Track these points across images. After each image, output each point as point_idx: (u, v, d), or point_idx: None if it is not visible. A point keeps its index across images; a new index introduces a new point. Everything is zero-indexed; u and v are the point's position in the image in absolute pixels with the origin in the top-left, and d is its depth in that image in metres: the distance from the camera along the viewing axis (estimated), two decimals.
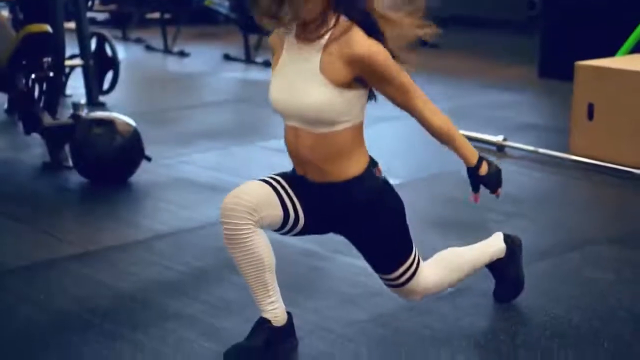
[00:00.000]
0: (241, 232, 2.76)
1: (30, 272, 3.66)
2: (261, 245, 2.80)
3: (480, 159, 2.95)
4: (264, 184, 2.84)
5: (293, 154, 2.86)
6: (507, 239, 3.35)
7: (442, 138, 2.94)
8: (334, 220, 2.90)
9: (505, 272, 3.33)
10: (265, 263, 2.82)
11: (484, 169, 2.96)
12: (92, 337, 3.07)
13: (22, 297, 3.42)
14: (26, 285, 3.54)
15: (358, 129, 2.82)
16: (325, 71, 2.69)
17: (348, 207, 2.85)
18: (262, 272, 2.83)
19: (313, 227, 2.91)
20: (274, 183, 2.85)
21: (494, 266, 3.32)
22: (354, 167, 2.82)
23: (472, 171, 2.97)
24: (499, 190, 3.05)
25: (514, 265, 3.33)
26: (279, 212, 2.82)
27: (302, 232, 2.93)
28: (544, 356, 2.95)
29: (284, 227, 2.87)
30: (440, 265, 3.11)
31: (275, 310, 2.90)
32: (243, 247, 2.77)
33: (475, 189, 3.02)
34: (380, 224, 2.88)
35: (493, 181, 3.00)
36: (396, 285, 3.00)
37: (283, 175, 2.91)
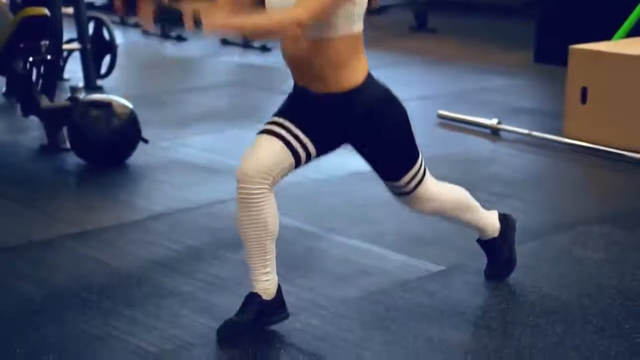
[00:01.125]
0: (254, 197, 2.87)
1: (28, 251, 3.71)
2: (270, 213, 2.89)
3: None
4: (271, 138, 2.90)
5: (292, 62, 2.88)
6: (503, 218, 3.40)
7: None
8: (341, 132, 2.95)
9: (498, 252, 3.38)
10: (269, 230, 2.90)
11: None
12: (88, 313, 3.12)
13: (21, 274, 3.47)
14: (24, 263, 3.59)
15: (356, 39, 2.84)
16: None
17: (352, 117, 2.90)
18: (265, 239, 2.91)
19: (324, 148, 2.98)
20: (279, 130, 2.90)
21: (488, 245, 3.37)
22: (354, 77, 2.85)
23: None
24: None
25: (507, 246, 3.39)
26: (291, 160, 2.91)
27: (318, 157, 3.00)
28: (533, 332, 3.00)
29: (298, 167, 2.96)
30: (448, 190, 3.26)
31: (268, 282, 2.96)
32: (253, 211, 2.87)
33: None
34: (386, 131, 2.93)
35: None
36: (404, 193, 3.09)
37: (283, 112, 2.95)
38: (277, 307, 2.99)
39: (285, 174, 2.94)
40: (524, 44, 8.26)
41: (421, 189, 3.10)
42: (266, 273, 2.96)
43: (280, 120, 2.94)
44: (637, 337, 2.96)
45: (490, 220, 3.36)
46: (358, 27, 2.84)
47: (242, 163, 2.89)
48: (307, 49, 2.80)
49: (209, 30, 2.73)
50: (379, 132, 2.93)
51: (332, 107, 2.89)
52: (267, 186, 2.87)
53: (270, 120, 2.97)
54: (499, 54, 8.38)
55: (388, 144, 2.97)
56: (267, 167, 2.86)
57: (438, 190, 3.19)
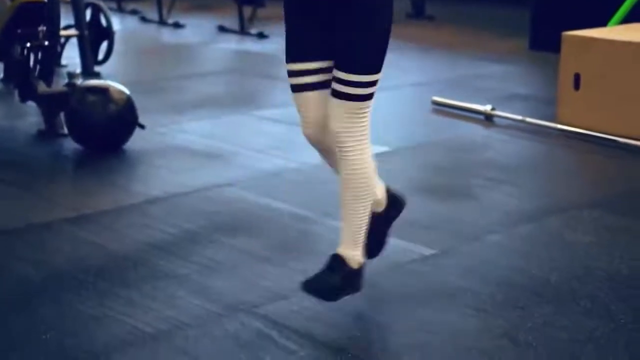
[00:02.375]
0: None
1: (26, 234, 3.76)
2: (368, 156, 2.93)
3: None
4: (305, 95, 2.93)
5: None
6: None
7: None
8: (332, 18, 2.86)
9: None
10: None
11: None
12: (85, 294, 3.17)
13: (19, 257, 3.52)
14: (23, 246, 3.64)
15: None
16: None
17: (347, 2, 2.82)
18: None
19: (331, 42, 2.89)
20: (303, 81, 2.91)
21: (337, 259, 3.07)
22: None
23: None
24: None
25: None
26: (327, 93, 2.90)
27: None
28: (522, 313, 3.06)
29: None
30: (367, 154, 2.98)
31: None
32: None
33: None
34: (368, 18, 2.83)
35: None
36: (340, 94, 2.85)
37: (291, 54, 2.93)
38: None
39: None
40: (520, 31, 8.31)
41: (362, 105, 2.88)
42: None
43: (295, 67, 2.91)
44: (622, 318, 3.02)
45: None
46: None
47: (305, 134, 2.98)
48: None
49: None
50: (365, 15, 2.83)
51: None
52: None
53: (291, 70, 2.93)
54: (494, 42, 8.43)
55: (365, 28, 2.83)
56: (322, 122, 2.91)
57: (365, 154, 2.97)
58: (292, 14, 2.95)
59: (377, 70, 2.89)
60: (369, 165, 2.94)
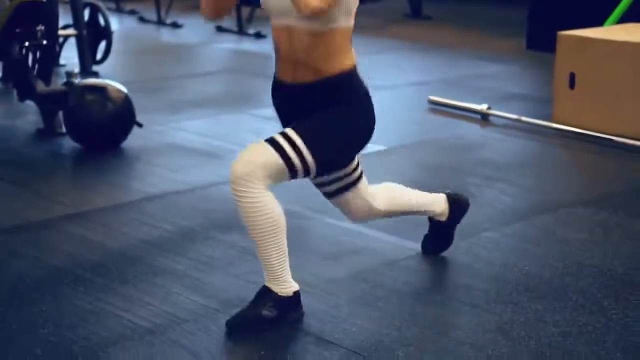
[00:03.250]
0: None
1: (24, 231, 3.79)
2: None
3: None
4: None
5: (286, 57, 2.89)
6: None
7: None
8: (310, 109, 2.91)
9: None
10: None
11: None
12: (82, 290, 3.20)
13: (17, 253, 3.55)
14: (21, 243, 3.67)
15: (348, 32, 2.88)
16: None
17: (332, 96, 2.88)
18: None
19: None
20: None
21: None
22: (344, 64, 2.88)
23: None
24: None
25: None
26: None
27: None
28: (514, 308, 3.09)
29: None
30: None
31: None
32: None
33: None
34: (342, 116, 2.88)
35: None
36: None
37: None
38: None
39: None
40: (517, 31, 8.35)
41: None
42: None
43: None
44: (614, 314, 3.05)
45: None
46: (351, 21, 2.89)
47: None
48: (307, 40, 2.83)
49: None
50: (339, 113, 2.89)
51: (313, 93, 2.89)
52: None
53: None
54: (491, 41, 8.46)
55: (332, 126, 2.89)
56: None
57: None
58: (276, 109, 3.06)
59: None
60: (263, 211, 2.85)
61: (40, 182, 4.46)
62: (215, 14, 3.00)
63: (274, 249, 2.89)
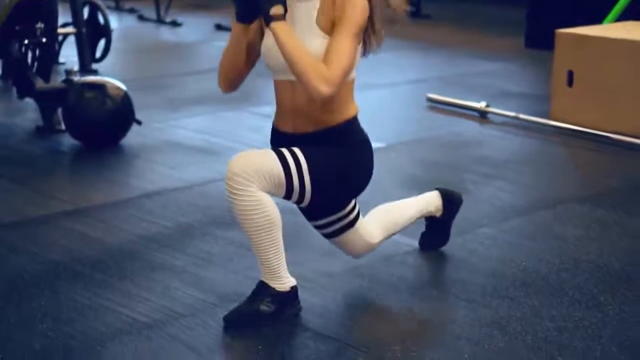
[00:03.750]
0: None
1: (23, 227, 3.81)
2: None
3: None
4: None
5: (287, 109, 2.94)
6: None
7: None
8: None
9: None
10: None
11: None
12: (81, 285, 3.22)
13: (16, 249, 3.57)
14: (19, 238, 3.68)
15: (351, 84, 2.95)
16: (321, 22, 2.83)
17: (333, 140, 2.92)
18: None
19: None
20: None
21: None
22: (345, 115, 2.93)
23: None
24: None
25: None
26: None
27: None
28: (511, 303, 3.11)
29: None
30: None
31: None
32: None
33: None
34: (343, 156, 2.93)
35: None
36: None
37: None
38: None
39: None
40: (516, 29, 8.36)
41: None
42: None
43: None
44: (610, 309, 3.07)
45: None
46: (354, 74, 2.94)
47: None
48: (310, 95, 2.83)
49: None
50: (335, 159, 2.92)
51: (320, 137, 2.92)
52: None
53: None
54: (490, 40, 8.48)
55: (335, 165, 2.93)
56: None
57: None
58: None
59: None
60: (260, 208, 2.83)
61: (39, 179, 4.47)
62: (230, 89, 3.10)
63: (271, 245, 2.89)
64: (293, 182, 2.86)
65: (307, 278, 3.28)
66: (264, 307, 2.92)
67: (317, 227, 3.19)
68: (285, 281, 2.96)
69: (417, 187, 4.33)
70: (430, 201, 3.46)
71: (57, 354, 2.75)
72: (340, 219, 3.13)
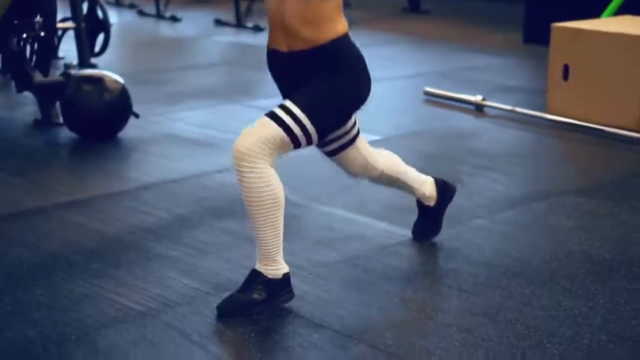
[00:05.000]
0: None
1: (21, 219, 3.84)
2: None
3: None
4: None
5: (277, 23, 2.98)
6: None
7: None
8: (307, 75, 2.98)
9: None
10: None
11: None
12: (77, 275, 3.25)
13: (13, 240, 3.60)
14: (17, 230, 3.72)
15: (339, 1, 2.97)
16: None
17: (326, 62, 2.95)
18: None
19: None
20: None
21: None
22: (335, 31, 2.95)
23: None
24: None
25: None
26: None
27: None
28: (502, 293, 3.14)
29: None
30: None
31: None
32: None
33: None
34: (337, 82, 2.96)
35: None
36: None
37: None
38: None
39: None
40: (514, 25, 8.38)
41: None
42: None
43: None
44: (600, 298, 3.10)
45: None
46: None
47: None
48: (298, 8, 2.90)
49: None
50: (333, 76, 2.95)
51: (306, 60, 2.96)
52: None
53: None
54: (488, 35, 8.50)
55: (329, 94, 2.97)
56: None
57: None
58: (274, 77, 3.14)
59: (320, 123, 2.96)
60: (267, 185, 2.89)
61: (37, 171, 4.51)
62: None
63: (271, 226, 2.94)
64: (296, 135, 2.92)
65: (301, 267, 3.31)
66: (256, 295, 2.95)
67: (318, 145, 3.21)
68: (279, 267, 2.99)
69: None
70: (426, 182, 3.52)
71: (53, 342, 2.79)
72: (341, 137, 3.20)
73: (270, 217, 2.92)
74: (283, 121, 2.91)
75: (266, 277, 2.97)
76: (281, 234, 2.98)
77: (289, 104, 2.94)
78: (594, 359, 2.71)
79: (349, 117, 3.17)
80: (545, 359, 2.70)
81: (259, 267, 2.99)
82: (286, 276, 3.00)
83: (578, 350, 2.75)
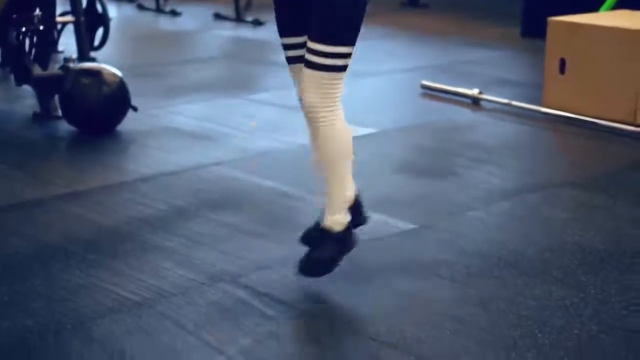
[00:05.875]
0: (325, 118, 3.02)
1: (20, 210, 3.87)
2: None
3: None
4: (293, 67, 3.12)
5: None
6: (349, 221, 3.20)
7: None
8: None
9: (326, 244, 3.17)
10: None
11: None
12: (74, 265, 3.28)
13: (11, 231, 3.63)
14: (16, 221, 3.75)
15: None
16: None
17: None
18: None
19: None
20: (292, 54, 3.10)
21: (323, 232, 3.18)
22: None
23: None
24: None
25: (335, 247, 3.17)
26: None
27: None
28: (495, 283, 3.17)
29: None
30: (343, 132, 3.07)
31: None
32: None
33: None
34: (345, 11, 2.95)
35: None
36: (313, 64, 2.95)
37: (281, 30, 3.13)
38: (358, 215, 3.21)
39: None
40: (513, 19, 8.41)
41: (328, 78, 2.97)
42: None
43: (286, 42, 3.12)
44: (592, 289, 3.13)
45: (343, 207, 3.17)
46: None
47: (299, 95, 3.04)
48: None
49: None
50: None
51: None
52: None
53: (282, 44, 3.14)
54: (487, 29, 8.53)
55: (333, 2, 2.94)
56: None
57: (337, 124, 3.06)
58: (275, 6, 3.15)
59: (347, 42, 2.97)
60: (341, 134, 3.04)
61: (36, 164, 4.54)
62: None
63: (343, 176, 3.08)
64: (337, 65, 2.96)
65: (295, 259, 3.33)
66: (331, 252, 3.10)
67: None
68: (344, 217, 3.14)
69: (408, 171, 4.40)
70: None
71: (49, 331, 2.82)
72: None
73: (342, 166, 3.06)
74: (322, 65, 2.94)
75: (335, 232, 3.11)
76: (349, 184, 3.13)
77: (311, 45, 2.95)
78: (584, 349, 2.74)
79: (362, 18, 3.02)
80: (536, 349, 2.73)
81: (327, 222, 3.12)
82: (349, 225, 3.15)
83: (568, 340, 2.78)
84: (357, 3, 2.99)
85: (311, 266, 3.12)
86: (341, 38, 2.96)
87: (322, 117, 2.99)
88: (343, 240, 3.15)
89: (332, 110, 2.99)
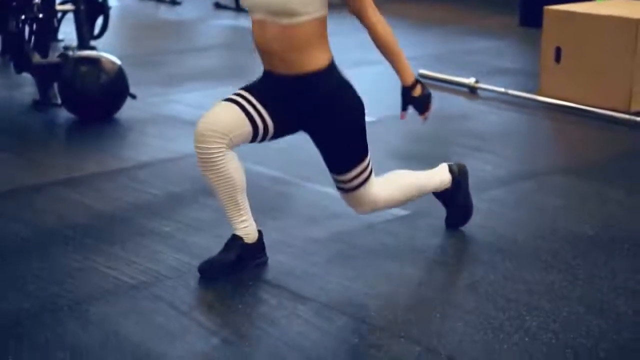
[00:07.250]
0: (213, 156, 3.02)
1: (18, 195, 3.93)
2: (232, 168, 3.06)
3: (417, 81, 3.17)
4: (230, 104, 3.08)
5: (260, 46, 3.07)
6: (453, 168, 3.53)
7: (384, 48, 3.17)
8: (299, 115, 3.09)
9: (452, 201, 3.53)
10: (236, 184, 3.08)
11: (417, 91, 3.18)
12: (71, 249, 3.33)
13: (10, 216, 3.69)
14: (14, 206, 3.80)
15: (322, 23, 3.01)
16: None
17: (311, 100, 3.05)
18: (234, 193, 3.09)
19: (281, 129, 3.13)
20: (240, 100, 3.09)
21: (442, 195, 3.53)
22: (318, 60, 3.02)
23: (406, 91, 3.21)
24: (427, 114, 3.23)
25: (460, 194, 3.52)
26: (248, 128, 3.05)
27: (274, 137, 3.16)
28: (486, 267, 3.21)
29: (255, 139, 3.11)
30: (390, 183, 3.32)
31: (247, 229, 3.15)
32: (216, 170, 3.05)
33: (404, 108, 3.23)
34: (341, 120, 3.09)
35: (422, 103, 3.21)
36: (348, 189, 3.19)
37: (248, 87, 3.15)
38: (257, 250, 3.20)
39: (244, 140, 3.08)
40: (511, 8, 8.43)
41: (365, 188, 3.21)
42: (243, 221, 3.15)
43: (244, 93, 3.12)
44: (581, 273, 3.17)
45: (440, 177, 3.47)
46: (325, 11, 3.01)
47: (198, 126, 3.06)
48: (277, 33, 2.97)
49: None
50: (335, 120, 3.08)
51: (294, 88, 3.04)
52: (223, 146, 3.02)
53: (234, 92, 3.15)
54: (485, 18, 8.55)
55: (342, 132, 3.11)
56: (224, 128, 3.01)
57: (382, 195, 3.28)
58: (266, 87, 3.15)
59: (362, 158, 3.18)
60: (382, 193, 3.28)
61: (35, 150, 4.59)
62: None
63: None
64: (365, 178, 3.20)
65: (290, 243, 3.40)
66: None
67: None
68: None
69: (403, 158, 4.45)
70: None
71: (46, 313, 2.87)
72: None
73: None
74: (354, 187, 3.18)
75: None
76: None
77: (336, 177, 3.18)
78: (570, 330, 2.79)
79: (365, 128, 3.19)
80: (523, 330, 2.77)
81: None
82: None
83: (555, 321, 2.83)
84: (356, 118, 3.13)
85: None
86: (357, 160, 3.16)
87: (379, 205, 3.28)
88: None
89: (378, 191, 3.24)
